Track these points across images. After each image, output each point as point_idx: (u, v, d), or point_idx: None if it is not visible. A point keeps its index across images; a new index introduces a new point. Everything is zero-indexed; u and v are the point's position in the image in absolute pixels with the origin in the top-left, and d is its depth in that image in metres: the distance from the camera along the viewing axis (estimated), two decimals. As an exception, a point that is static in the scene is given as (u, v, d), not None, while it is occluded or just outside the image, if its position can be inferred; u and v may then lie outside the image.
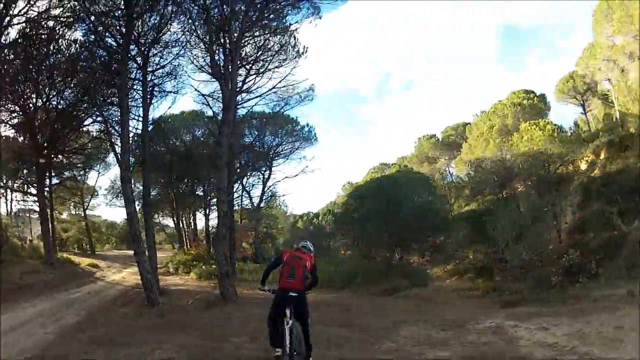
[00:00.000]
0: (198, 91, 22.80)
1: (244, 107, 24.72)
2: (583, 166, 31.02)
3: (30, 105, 24.51)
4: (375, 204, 26.26)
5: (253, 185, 36.52)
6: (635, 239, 19.95)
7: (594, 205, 24.24)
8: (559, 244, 23.97)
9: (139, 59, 19.87)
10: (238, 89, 21.59)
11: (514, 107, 36.48)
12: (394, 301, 18.86)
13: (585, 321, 10.92)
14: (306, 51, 22.99)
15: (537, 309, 13.96)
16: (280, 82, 23.75)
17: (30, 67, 21.66)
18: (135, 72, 20.33)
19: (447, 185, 40.70)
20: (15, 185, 32.53)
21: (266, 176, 35.47)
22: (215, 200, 33.21)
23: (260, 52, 22.36)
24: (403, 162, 49.37)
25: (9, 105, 24.17)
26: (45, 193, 28.87)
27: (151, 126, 23.74)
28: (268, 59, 22.81)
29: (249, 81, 23.31)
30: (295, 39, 23.04)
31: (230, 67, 18.97)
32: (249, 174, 35.38)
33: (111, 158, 33.95)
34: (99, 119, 24.03)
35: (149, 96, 20.52)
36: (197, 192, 37.71)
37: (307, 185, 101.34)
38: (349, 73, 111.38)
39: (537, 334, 10.36)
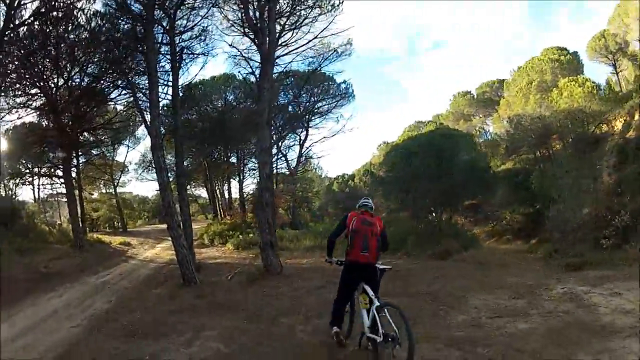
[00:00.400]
0: (234, 46, 20.82)
1: (278, 65, 22.75)
2: (618, 126, 29.11)
3: (52, 85, 22.96)
4: (425, 160, 24.44)
5: (289, 147, 35.25)
6: None
7: (630, 167, 22.73)
8: (597, 207, 22.11)
9: (164, 23, 18.15)
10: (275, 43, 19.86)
11: (552, 62, 35.53)
12: (451, 265, 17.36)
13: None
14: (342, 3, 21.16)
15: (603, 272, 13.01)
16: (316, 37, 21.84)
17: (49, 45, 20.28)
18: (162, 36, 18.64)
19: (484, 143, 38.66)
20: (42, 170, 31.02)
21: (302, 137, 34.32)
22: (251, 165, 32.07)
23: (295, 5, 20.52)
24: (438, 119, 48.80)
25: (29, 88, 22.73)
26: (73, 174, 27.78)
27: (181, 93, 22.07)
28: (303, 12, 20.80)
29: (284, 36, 21.56)
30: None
31: (267, 16, 17.20)
32: (286, 135, 33.85)
33: (140, 131, 33.33)
34: (125, 90, 22.81)
35: (177, 60, 18.86)
36: (231, 159, 36.63)
37: (340, 147, 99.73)
38: (378, 32, 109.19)
39: (613, 300, 9.56)
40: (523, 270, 16.21)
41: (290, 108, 32.11)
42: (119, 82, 22.40)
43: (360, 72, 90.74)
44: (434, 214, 25.87)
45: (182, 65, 19.69)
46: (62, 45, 20.51)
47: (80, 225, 25.73)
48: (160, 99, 17.63)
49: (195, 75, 36.95)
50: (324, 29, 21.10)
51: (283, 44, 21.25)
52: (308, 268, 17.09)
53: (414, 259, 19.12)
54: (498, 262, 18.44)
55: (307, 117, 33.00)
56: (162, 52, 19.15)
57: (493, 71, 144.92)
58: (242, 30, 19.11)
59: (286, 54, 22.28)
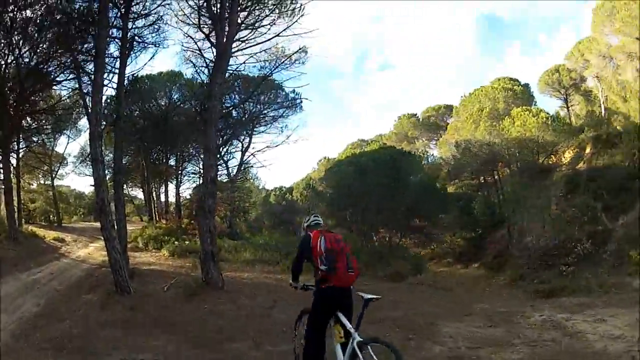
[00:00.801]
0: (189, 36, 19.33)
1: (230, 66, 21.31)
2: (567, 158, 30.71)
3: (1, 62, 21.45)
4: (380, 177, 24.08)
5: (231, 153, 33.11)
6: (620, 235, 20.11)
7: (579, 198, 23.65)
8: (559, 234, 22.35)
9: (121, 6, 16.80)
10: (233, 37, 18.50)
11: (505, 92, 36.15)
12: (408, 289, 16.97)
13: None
14: (302, 9, 19.97)
15: (579, 299, 13.22)
16: (272, 38, 20.48)
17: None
18: (115, 20, 17.24)
19: (427, 166, 38.81)
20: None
21: (245, 145, 32.43)
22: (190, 168, 31.03)
23: (255, 3, 19.33)
24: (381, 139, 48.27)
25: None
26: (13, 160, 26.09)
27: (127, 83, 20.64)
28: (263, 12, 19.71)
29: (240, 32, 20.30)
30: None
31: (229, 6, 15.95)
32: (228, 141, 32.19)
33: (83, 123, 31.24)
34: (71, 73, 20.65)
35: (128, 47, 17.42)
36: (170, 161, 34.77)
37: (281, 159, 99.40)
38: (327, 47, 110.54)
39: (599, 327, 9.47)
40: (489, 296, 16.24)
41: (235, 113, 30.80)
42: (66, 62, 20.46)
43: (307, 85, 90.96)
44: (385, 234, 25.72)
45: (131, 52, 18.34)
46: (16, 20, 19.30)
47: (17, 215, 23.94)
48: (104, 86, 16.03)
49: (144, 65, 36.55)
50: (281, 31, 19.86)
51: (240, 38, 19.93)
52: (250, 284, 15.99)
53: (366, 281, 17.82)
54: (461, 288, 18.52)
55: (252, 124, 31.51)
56: (113, 37, 17.57)
57: (439, 96, 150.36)
58: (198, 24, 17.63)
59: (240, 50, 20.87)
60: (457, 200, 29.54)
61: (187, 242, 23.24)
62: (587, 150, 29.20)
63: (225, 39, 15.84)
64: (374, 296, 5.87)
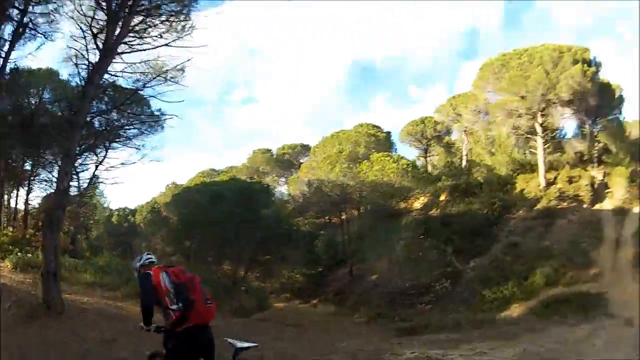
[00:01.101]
0: (80, 28, 18.55)
1: (108, 73, 20.59)
2: (417, 204, 32.72)
3: None
4: (234, 207, 23.41)
5: (84, 165, 31.60)
6: (471, 276, 22.44)
7: (430, 242, 25.13)
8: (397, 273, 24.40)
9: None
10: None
11: (368, 137, 37.84)
12: (258, 325, 16.63)
13: (517, 342, 11.15)
14: (192, 31, 19.74)
15: (449, 335, 13.84)
16: (159, 47, 20.09)
17: None
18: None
19: (275, 201, 38.78)
20: None
21: (101, 158, 31.10)
22: (43, 175, 29.14)
23: (151, 10, 18.89)
24: (232, 171, 47.80)
25: None
26: None
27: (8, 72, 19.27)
28: (156, 20, 19.30)
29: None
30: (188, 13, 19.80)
31: (127, 8, 15.33)
32: (85, 151, 30.63)
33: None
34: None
35: (20, 31, 15.89)
36: (25, 165, 32.42)
37: (130, 178, 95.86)
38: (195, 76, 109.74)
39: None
40: (349, 334, 16.15)
41: (97, 123, 29.49)
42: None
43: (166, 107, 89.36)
44: (229, 267, 25.30)
45: (22, 37, 16.69)
46: None
47: None
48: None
49: (28, 54, 33.98)
50: (169, 42, 19.51)
51: (127, 42, 19.39)
52: (91, 309, 14.66)
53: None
54: (315, 326, 18.42)
55: (112, 137, 30.30)
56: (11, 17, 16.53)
57: (299, 136, 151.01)
58: (91, 22, 16.89)
59: (125, 53, 20.24)
60: (302, 237, 29.58)
61: (29, 255, 21.75)
62: (442, 197, 31.45)
63: (114, 39, 15.16)
64: (249, 344, 5.45)
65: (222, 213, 23.10)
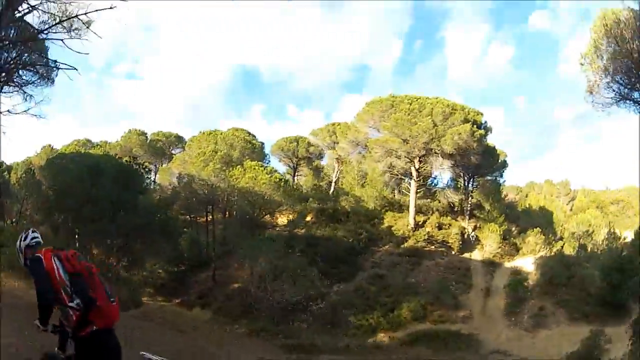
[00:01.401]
0: None
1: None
2: (282, 220, 35.34)
3: None
4: (112, 186, 23.20)
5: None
6: (334, 300, 24.53)
7: (294, 260, 26.63)
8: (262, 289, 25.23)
9: None
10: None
11: (245, 143, 40.06)
12: (144, 327, 15.87)
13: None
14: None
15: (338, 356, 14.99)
16: None
17: None
18: None
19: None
20: None
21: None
22: None
23: None
24: (106, 146, 47.50)
25: None
26: None
27: None
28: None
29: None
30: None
31: None
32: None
33: None
34: None
35: None
36: None
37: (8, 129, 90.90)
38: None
39: None
40: (243, 346, 17.02)
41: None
42: None
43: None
44: (99, 254, 24.24)
45: None
46: None
47: None
48: None
49: None
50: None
51: None
52: None
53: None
54: (197, 332, 18.80)
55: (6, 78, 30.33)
56: None
57: (172, 125, 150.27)
58: None
59: None
60: (176, 231, 29.16)
61: None
62: (309, 218, 33.79)
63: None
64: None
65: (101, 190, 22.69)
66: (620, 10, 18.29)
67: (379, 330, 22.67)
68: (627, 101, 19.56)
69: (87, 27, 21.78)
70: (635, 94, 19.13)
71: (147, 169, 31.90)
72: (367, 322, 23.18)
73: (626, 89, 19.32)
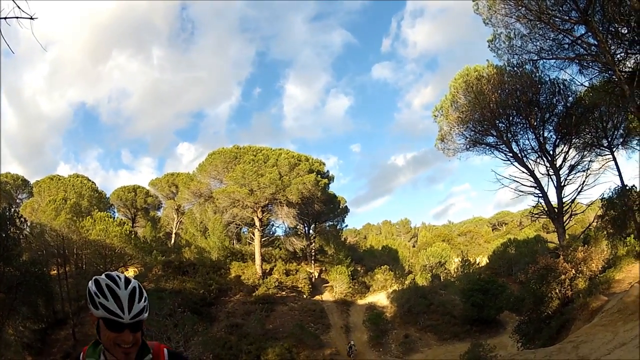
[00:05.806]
0: None
1: None
2: (132, 272, 35.60)
3: None
4: None
5: None
6: (197, 354, 24.15)
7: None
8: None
9: None
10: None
11: (92, 191, 41.11)
12: None
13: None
14: None
15: None
16: None
17: None
18: None
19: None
20: None
21: None
22: None
23: None
24: None
25: None
26: None
27: None
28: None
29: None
30: None
31: None
32: None
33: None
34: None
35: None
36: None
37: None
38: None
39: None
40: None
41: None
42: None
43: None
44: None
45: None
46: None
47: None
48: None
49: None
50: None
51: None
52: None
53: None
54: None
55: None
56: None
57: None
58: None
59: None
60: (46, 285, 27.15)
61: None
62: (155, 270, 35.16)
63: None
64: None
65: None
66: (484, 67, 22.15)
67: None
68: (479, 145, 23.49)
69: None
70: (489, 139, 23.10)
71: (22, 218, 29.15)
72: (240, 372, 24.55)
73: (478, 135, 23.14)
